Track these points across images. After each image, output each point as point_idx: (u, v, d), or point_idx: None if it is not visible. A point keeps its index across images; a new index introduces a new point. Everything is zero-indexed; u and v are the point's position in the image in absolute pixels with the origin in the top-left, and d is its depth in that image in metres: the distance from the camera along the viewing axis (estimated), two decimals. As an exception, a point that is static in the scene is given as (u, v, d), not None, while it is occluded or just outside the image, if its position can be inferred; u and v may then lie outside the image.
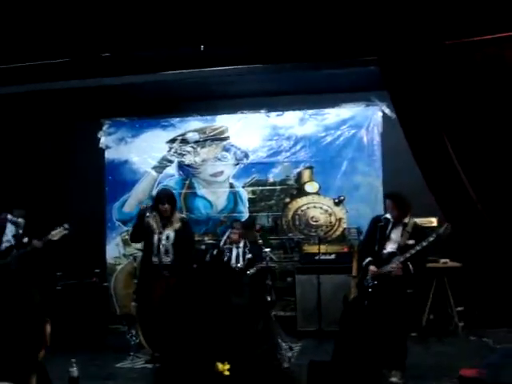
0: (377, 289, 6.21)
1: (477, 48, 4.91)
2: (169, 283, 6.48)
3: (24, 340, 1.39)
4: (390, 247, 6.26)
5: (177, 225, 6.83)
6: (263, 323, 1.42)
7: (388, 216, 6.38)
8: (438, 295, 8.09)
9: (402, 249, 6.16)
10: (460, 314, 8.10)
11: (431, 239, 6.04)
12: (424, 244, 6.04)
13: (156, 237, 6.71)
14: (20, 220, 7.50)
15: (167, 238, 6.72)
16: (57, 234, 7.26)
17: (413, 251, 6.04)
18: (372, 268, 6.26)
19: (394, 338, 6.08)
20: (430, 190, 5.63)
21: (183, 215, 7.33)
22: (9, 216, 7.52)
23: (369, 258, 6.38)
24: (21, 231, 7.48)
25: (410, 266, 6.07)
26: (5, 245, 7.47)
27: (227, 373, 1.31)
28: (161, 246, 6.66)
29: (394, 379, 5.90)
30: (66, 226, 7.28)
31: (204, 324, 1.38)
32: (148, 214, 6.73)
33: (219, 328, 1.36)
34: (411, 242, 6.16)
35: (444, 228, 6.16)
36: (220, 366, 1.31)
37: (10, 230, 7.52)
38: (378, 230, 6.37)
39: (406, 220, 6.25)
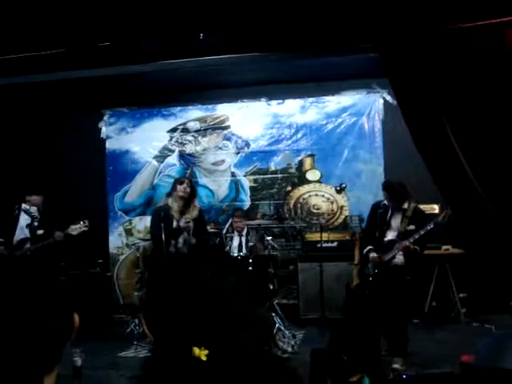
0: (377, 277, 6.23)
1: (477, 33, 4.90)
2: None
3: (54, 332, 1.39)
4: (391, 235, 6.26)
5: (194, 212, 6.83)
6: (260, 310, 1.40)
7: (387, 203, 6.39)
8: (441, 282, 8.10)
9: (402, 236, 6.16)
10: (462, 301, 8.11)
11: (429, 227, 6.03)
12: (422, 232, 6.03)
13: (175, 223, 6.70)
14: (33, 209, 7.51)
15: (186, 227, 6.68)
16: (76, 229, 7.29)
17: (411, 239, 6.04)
18: (372, 255, 6.27)
19: (394, 325, 6.10)
20: (431, 177, 5.63)
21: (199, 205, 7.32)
22: (23, 205, 7.52)
23: (369, 247, 6.39)
24: (36, 223, 7.48)
25: (416, 246, 6.08)
26: (20, 236, 7.46)
27: (204, 358, 1.29)
28: (180, 236, 6.66)
29: (396, 365, 5.92)
30: (86, 222, 7.32)
31: (184, 309, 1.37)
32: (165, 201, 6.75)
33: (199, 312, 1.35)
34: (411, 227, 6.14)
35: (442, 216, 6.15)
36: (197, 351, 1.30)
37: (23, 220, 7.51)
38: (378, 216, 6.38)
39: (405, 206, 6.22)
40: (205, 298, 1.37)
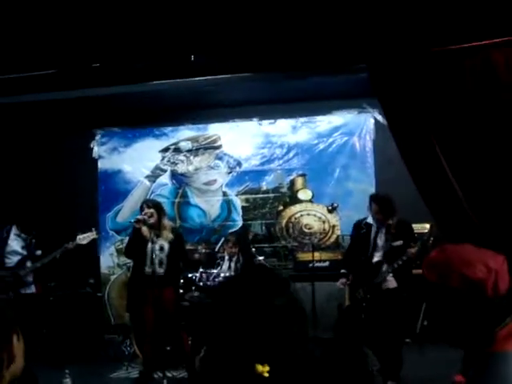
0: (370, 302, 6.18)
1: (465, 55, 4.95)
2: (161, 293, 6.48)
3: None
4: (378, 255, 6.19)
5: (170, 235, 6.77)
6: (299, 326, 1.45)
7: (369, 220, 6.30)
8: (432, 301, 8.07)
9: (387, 255, 6.09)
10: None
11: (414, 249, 5.97)
12: (409, 255, 5.97)
13: (149, 246, 6.65)
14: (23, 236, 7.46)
15: (161, 248, 6.66)
16: (85, 238, 7.26)
17: (400, 262, 5.98)
18: (341, 282, 6.32)
19: (389, 348, 6.05)
20: (420, 196, 5.65)
21: (173, 225, 7.26)
22: (13, 229, 7.46)
23: (342, 270, 6.42)
24: (34, 240, 7.43)
25: (394, 281, 6.06)
26: (15, 258, 7.40)
27: (267, 374, 1.33)
28: (154, 257, 6.58)
29: None
30: (95, 231, 7.31)
31: (244, 326, 1.39)
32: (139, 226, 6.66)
33: (259, 330, 1.38)
34: (398, 243, 6.07)
35: (427, 233, 6.12)
36: (259, 367, 1.33)
37: (15, 242, 7.45)
38: (361, 237, 6.30)
39: (390, 222, 6.14)
40: (261, 317, 1.39)
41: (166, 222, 6.89)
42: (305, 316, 1.51)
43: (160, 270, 6.59)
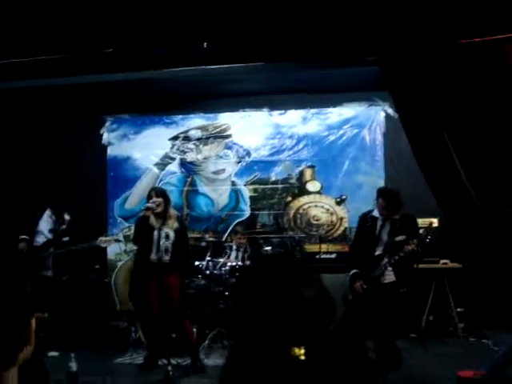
0: (368, 295, 6.18)
1: (478, 48, 4.92)
2: (166, 280, 6.50)
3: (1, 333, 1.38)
4: (379, 249, 6.18)
5: (175, 224, 6.80)
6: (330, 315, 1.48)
7: (375, 214, 6.27)
8: (438, 296, 8.08)
9: (388, 249, 6.09)
10: (460, 315, 8.09)
11: (410, 247, 5.95)
12: (406, 251, 5.96)
13: (156, 234, 6.67)
14: (66, 217, 7.52)
15: (167, 236, 6.68)
16: (106, 241, 7.33)
17: (397, 257, 5.97)
18: (358, 286, 6.22)
19: (385, 341, 6.05)
20: (431, 190, 5.63)
21: (178, 214, 7.26)
22: (48, 210, 7.54)
23: (354, 271, 6.32)
24: (64, 226, 7.48)
25: (393, 275, 6.06)
26: (41, 239, 7.48)
27: (303, 357, 1.35)
28: (160, 245, 6.61)
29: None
30: (119, 238, 7.38)
31: (278, 312, 1.39)
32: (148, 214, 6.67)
33: (292, 316, 1.39)
34: (400, 238, 6.05)
35: (424, 232, 6.09)
36: (296, 350, 1.35)
37: (45, 224, 7.52)
38: (366, 230, 6.29)
39: (396, 217, 6.11)
40: (295, 304, 1.40)
41: (172, 211, 6.92)
42: (334, 304, 1.53)
43: (166, 258, 6.62)
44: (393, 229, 6.11)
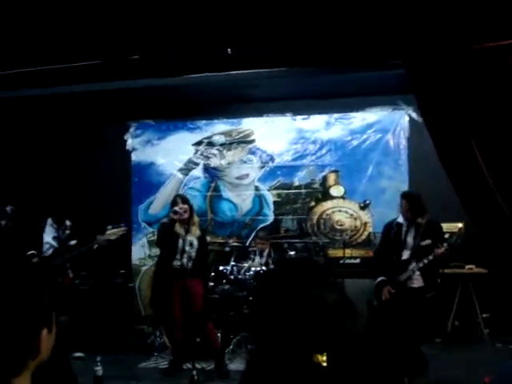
0: (394, 299, 6.17)
1: (504, 52, 4.88)
2: (189, 285, 6.56)
3: (9, 342, 1.37)
4: (407, 254, 6.18)
5: (198, 231, 6.87)
6: (352, 319, 1.47)
7: (400, 220, 6.29)
8: (464, 301, 8.02)
9: (415, 253, 6.08)
10: (485, 321, 8.02)
11: (439, 251, 5.94)
12: (435, 255, 5.95)
13: (181, 241, 6.72)
14: (67, 222, 7.54)
15: (191, 244, 6.74)
16: (115, 233, 7.32)
17: (426, 261, 5.97)
18: (386, 292, 6.19)
19: (412, 345, 6.03)
20: (457, 195, 5.59)
21: (199, 221, 7.29)
22: (49, 220, 7.54)
23: (380, 278, 6.31)
24: (68, 231, 7.50)
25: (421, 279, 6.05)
26: (48, 249, 7.49)
27: (325, 364, 1.35)
28: (186, 252, 6.68)
29: None
30: (124, 226, 7.36)
31: (300, 317, 1.40)
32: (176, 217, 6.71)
33: (314, 322, 1.39)
34: (427, 242, 6.04)
35: (455, 236, 6.10)
36: (318, 356, 1.35)
37: (49, 233, 7.54)
38: (391, 237, 6.30)
39: (420, 220, 6.13)
40: (319, 309, 1.41)
41: (196, 218, 6.98)
42: (354, 309, 1.52)
43: (189, 264, 6.66)
44: (418, 233, 6.12)
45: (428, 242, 6.05)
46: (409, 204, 6.15)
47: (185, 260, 6.66)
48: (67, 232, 7.48)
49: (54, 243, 7.43)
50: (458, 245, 6.12)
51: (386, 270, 6.27)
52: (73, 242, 7.39)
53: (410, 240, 6.19)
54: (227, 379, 6.42)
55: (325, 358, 1.35)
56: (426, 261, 5.98)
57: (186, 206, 6.72)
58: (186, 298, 6.62)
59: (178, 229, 6.70)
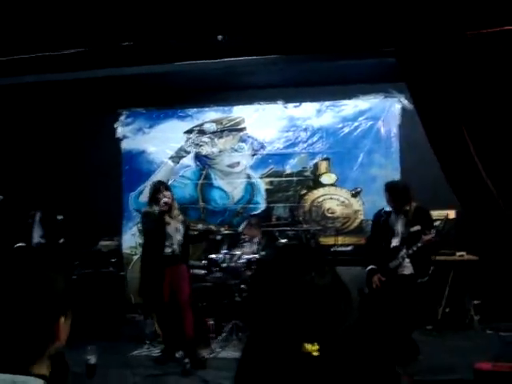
0: (385, 286, 6.21)
1: (497, 39, 4.87)
2: (179, 272, 6.69)
3: (29, 329, 1.39)
4: (396, 241, 6.24)
5: (180, 216, 6.91)
6: (345, 302, 1.44)
7: (387, 209, 6.37)
8: (455, 288, 8.05)
9: (405, 240, 6.12)
10: (476, 308, 8.06)
11: (430, 236, 5.98)
12: (423, 241, 5.98)
13: (168, 228, 6.75)
14: (58, 217, 7.48)
15: (177, 229, 6.79)
16: (107, 246, 7.31)
17: (414, 248, 6.01)
18: (376, 279, 6.24)
19: (403, 332, 6.07)
20: (448, 182, 5.60)
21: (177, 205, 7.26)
22: (37, 215, 7.46)
23: (371, 266, 6.35)
24: (57, 227, 7.40)
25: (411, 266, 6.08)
26: (36, 243, 7.43)
27: (316, 353, 1.33)
28: (173, 238, 6.74)
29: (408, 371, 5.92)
30: (117, 239, 7.33)
31: (290, 305, 1.39)
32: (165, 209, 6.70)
33: (305, 309, 1.37)
34: (416, 228, 6.10)
35: (441, 222, 6.15)
36: (308, 346, 1.33)
37: (37, 230, 7.48)
38: (380, 225, 6.37)
39: (407, 208, 6.19)
40: (310, 295, 1.39)
41: (175, 203, 6.99)
42: (349, 294, 1.51)
43: (178, 250, 6.74)
44: (406, 220, 6.16)
45: (417, 227, 6.11)
46: (391, 195, 6.27)
47: (175, 246, 6.73)
48: (57, 228, 7.42)
49: (43, 241, 7.38)
50: (446, 231, 6.16)
51: (377, 258, 6.31)
52: (61, 241, 7.34)
53: (398, 228, 6.26)
54: (220, 367, 6.41)
55: (315, 348, 1.33)
56: (414, 248, 6.03)
57: (169, 193, 6.73)
58: (176, 283, 6.65)
59: (167, 217, 6.72)
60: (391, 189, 6.31)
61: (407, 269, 6.15)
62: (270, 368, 1.37)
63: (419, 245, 6.01)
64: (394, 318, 6.01)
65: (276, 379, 1.36)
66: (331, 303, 1.41)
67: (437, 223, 6.32)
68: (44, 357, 1.44)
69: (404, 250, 6.12)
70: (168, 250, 6.73)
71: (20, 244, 7.32)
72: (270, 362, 1.38)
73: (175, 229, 6.78)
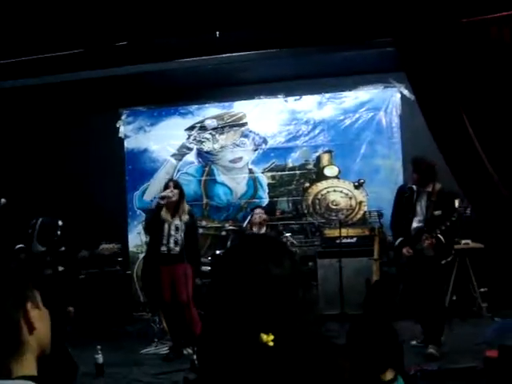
0: (412, 267, 6.21)
1: (493, 25, 4.86)
2: (177, 270, 6.65)
3: None
4: (417, 221, 6.21)
5: (185, 217, 6.84)
6: (303, 292, 1.43)
7: (412, 185, 6.31)
8: (461, 276, 8.04)
9: (428, 223, 6.09)
10: (483, 295, 8.05)
11: (453, 218, 5.97)
12: (448, 224, 5.97)
13: (166, 226, 6.74)
14: (59, 223, 7.44)
15: (177, 228, 6.76)
16: (108, 249, 7.31)
17: (438, 231, 5.98)
18: (405, 251, 6.23)
19: (432, 314, 6.09)
20: (450, 171, 5.60)
21: (189, 208, 7.25)
22: (39, 220, 7.43)
23: (400, 239, 6.33)
24: (59, 232, 7.36)
25: (442, 238, 6.03)
26: (37, 248, 7.40)
27: (271, 343, 1.31)
28: (171, 236, 6.72)
29: (431, 350, 5.94)
30: (118, 245, 7.32)
31: (244, 295, 1.38)
32: (161, 203, 6.70)
33: (261, 299, 1.37)
34: (438, 212, 6.06)
35: (463, 208, 6.13)
36: (264, 336, 1.32)
37: (39, 233, 7.45)
38: (403, 201, 6.32)
39: (430, 188, 6.13)
40: (265, 286, 1.38)
41: (185, 205, 6.95)
42: (310, 284, 1.50)
43: (176, 249, 6.71)
44: (429, 201, 6.14)
45: (439, 212, 6.08)
46: (415, 170, 6.19)
47: (171, 245, 6.71)
48: (58, 233, 7.38)
49: (43, 249, 7.35)
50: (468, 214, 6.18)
51: (404, 233, 6.30)
52: (62, 249, 7.32)
53: (419, 208, 6.22)
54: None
55: (271, 338, 1.31)
56: (438, 231, 5.98)
57: (175, 191, 6.72)
58: (175, 283, 6.66)
59: (164, 214, 6.71)
60: (413, 161, 6.29)
61: (429, 251, 6.12)
62: (226, 358, 1.36)
63: (443, 228, 5.97)
64: (423, 299, 6.13)
65: (232, 369, 1.34)
66: (288, 293, 1.40)
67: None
68: (24, 354, 1.38)
69: (426, 234, 6.09)
70: (163, 249, 6.74)
71: (20, 246, 7.32)
72: (225, 352, 1.37)
73: (175, 227, 6.77)
